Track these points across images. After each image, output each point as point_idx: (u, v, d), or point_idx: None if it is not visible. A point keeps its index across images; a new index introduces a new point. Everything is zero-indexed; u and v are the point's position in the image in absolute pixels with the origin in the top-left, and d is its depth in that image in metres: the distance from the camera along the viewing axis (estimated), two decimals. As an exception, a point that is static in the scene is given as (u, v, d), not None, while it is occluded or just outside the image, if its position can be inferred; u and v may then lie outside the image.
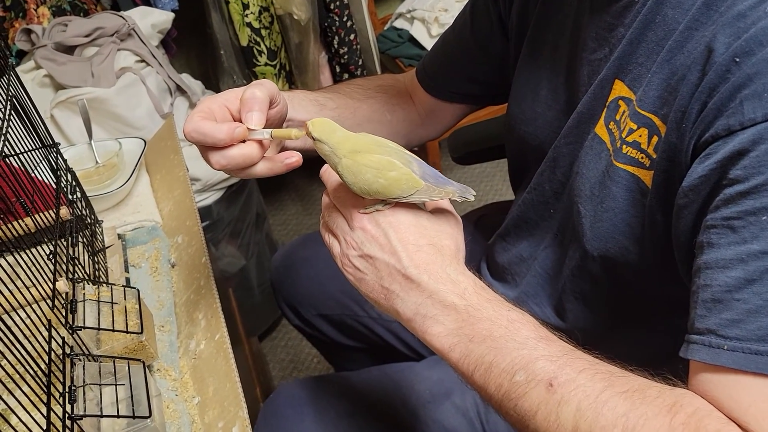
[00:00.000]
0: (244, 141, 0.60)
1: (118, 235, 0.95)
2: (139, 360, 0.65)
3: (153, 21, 1.37)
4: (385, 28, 1.96)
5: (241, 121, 0.60)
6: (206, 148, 0.60)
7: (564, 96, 0.70)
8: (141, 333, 0.68)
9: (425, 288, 0.54)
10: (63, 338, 0.61)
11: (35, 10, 1.44)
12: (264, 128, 0.60)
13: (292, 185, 2.40)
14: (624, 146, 0.58)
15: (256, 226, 1.64)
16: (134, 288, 0.75)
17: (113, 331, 0.67)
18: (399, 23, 1.92)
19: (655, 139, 0.55)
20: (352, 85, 0.89)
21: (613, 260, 0.61)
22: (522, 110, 0.76)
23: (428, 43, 1.81)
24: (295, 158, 0.61)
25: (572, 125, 0.66)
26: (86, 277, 0.73)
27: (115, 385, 0.62)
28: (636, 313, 0.66)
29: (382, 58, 1.89)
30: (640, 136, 0.56)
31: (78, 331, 0.64)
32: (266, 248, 1.71)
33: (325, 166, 0.63)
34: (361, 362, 1.13)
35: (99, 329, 0.66)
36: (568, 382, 0.45)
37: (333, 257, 0.60)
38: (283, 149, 0.71)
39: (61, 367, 0.58)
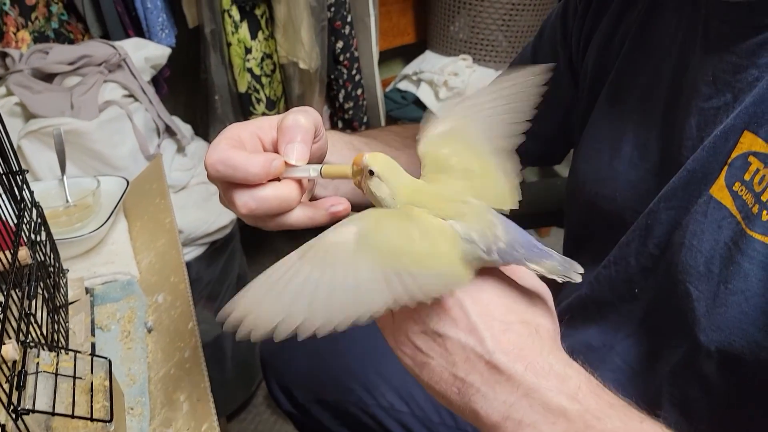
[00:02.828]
0: (278, 180, 0.47)
1: (86, 288, 0.78)
2: (104, 461, 0.48)
3: (147, 54, 1.24)
4: (388, 90, 1.89)
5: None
6: (231, 186, 0.46)
7: (656, 153, 0.59)
8: (110, 421, 0.51)
9: (520, 382, 0.40)
10: (2, 426, 0.43)
11: (14, 34, 1.30)
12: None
13: (270, 248, 2.23)
14: (765, 212, 0.46)
15: (236, 290, 1.46)
16: (104, 358, 0.58)
17: (72, 417, 0.49)
18: (403, 85, 1.84)
19: None
20: (387, 131, 0.77)
21: (737, 357, 0.48)
22: (596, 169, 0.64)
23: (435, 107, 1.73)
24: (342, 206, 0.48)
25: (677, 186, 0.54)
26: (42, 341, 0.56)
27: (69, 499, 0.44)
28: (762, 428, 0.52)
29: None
30: None
31: (24, 416, 0.47)
32: (245, 315, 1.52)
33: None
34: (362, 461, 0.95)
35: (53, 414, 0.49)
36: None
37: (382, 332, 0.46)
38: (313, 198, 0.58)
39: (-7, 471, 0.41)
